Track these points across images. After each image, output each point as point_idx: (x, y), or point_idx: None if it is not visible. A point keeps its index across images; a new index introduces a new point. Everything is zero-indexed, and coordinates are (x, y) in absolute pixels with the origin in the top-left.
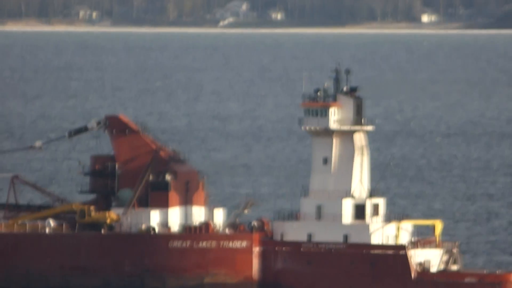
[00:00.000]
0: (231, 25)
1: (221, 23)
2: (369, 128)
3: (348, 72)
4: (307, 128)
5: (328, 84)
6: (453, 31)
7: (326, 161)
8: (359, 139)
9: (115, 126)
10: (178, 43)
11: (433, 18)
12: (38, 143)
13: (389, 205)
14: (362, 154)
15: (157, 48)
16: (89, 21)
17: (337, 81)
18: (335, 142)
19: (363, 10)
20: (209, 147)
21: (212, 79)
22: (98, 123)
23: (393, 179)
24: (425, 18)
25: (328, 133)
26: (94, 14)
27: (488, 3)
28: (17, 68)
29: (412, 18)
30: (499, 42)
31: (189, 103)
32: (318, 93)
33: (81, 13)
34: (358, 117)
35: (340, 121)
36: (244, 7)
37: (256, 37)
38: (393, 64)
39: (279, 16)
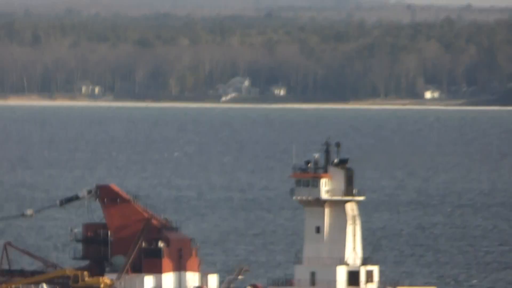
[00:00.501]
0: (233, 100)
1: (223, 98)
2: (360, 198)
3: (338, 145)
4: (299, 198)
5: (319, 156)
6: (456, 108)
7: (318, 230)
8: (351, 208)
9: (107, 195)
10: (181, 117)
11: (436, 95)
12: (29, 211)
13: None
14: (354, 223)
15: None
16: (92, 96)
17: (327, 153)
18: (327, 211)
19: (367, 87)
20: (206, 216)
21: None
22: (89, 192)
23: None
24: (428, 94)
25: (320, 203)
26: (97, 89)
27: (491, 80)
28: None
29: (415, 95)
30: (503, 118)
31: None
32: (309, 165)
33: (84, 88)
34: (349, 188)
35: (331, 192)
36: (247, 83)
37: (258, 112)
38: (400, 137)
39: (281, 92)
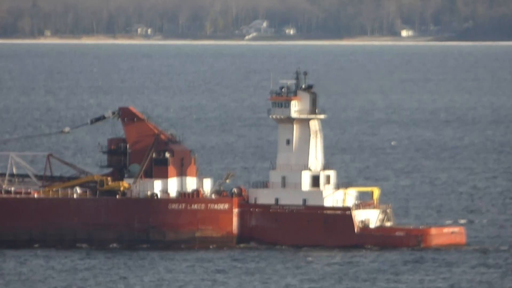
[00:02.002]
0: (254, 39)
1: (246, 37)
2: (322, 116)
3: (305, 73)
4: (274, 116)
5: (291, 83)
6: (425, 43)
7: (288, 142)
8: (314, 125)
9: (126, 115)
10: (213, 53)
11: (410, 33)
12: (66, 129)
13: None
14: (316, 136)
15: (197, 57)
16: (145, 36)
17: (297, 80)
18: (296, 127)
19: (357, 27)
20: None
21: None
22: (113, 113)
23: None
24: (404, 33)
25: (290, 120)
26: (149, 30)
27: (452, 21)
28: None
29: (394, 33)
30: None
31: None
32: (283, 90)
33: (139, 30)
34: (313, 108)
35: (299, 111)
36: (265, 24)
37: (273, 48)
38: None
39: (291, 31)
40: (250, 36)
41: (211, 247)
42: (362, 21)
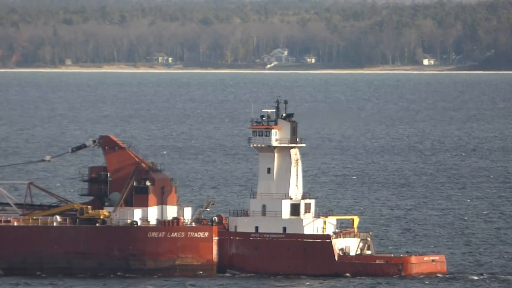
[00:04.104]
0: (275, 68)
1: (268, 66)
2: (302, 145)
3: (286, 102)
4: (254, 145)
5: (271, 112)
6: (447, 72)
7: (269, 170)
8: (295, 153)
9: (107, 144)
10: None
11: (432, 62)
12: (47, 157)
13: (318, 204)
14: (297, 165)
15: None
16: (166, 64)
17: (277, 109)
18: (276, 156)
19: (378, 56)
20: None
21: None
22: (94, 141)
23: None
24: (425, 62)
25: (271, 149)
26: (170, 59)
27: (473, 50)
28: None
29: (415, 62)
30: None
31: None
32: (263, 118)
33: (160, 59)
34: (294, 137)
35: (280, 140)
36: (285, 53)
37: (294, 77)
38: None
39: (312, 60)
40: (272, 65)
41: (189, 274)
42: (383, 50)
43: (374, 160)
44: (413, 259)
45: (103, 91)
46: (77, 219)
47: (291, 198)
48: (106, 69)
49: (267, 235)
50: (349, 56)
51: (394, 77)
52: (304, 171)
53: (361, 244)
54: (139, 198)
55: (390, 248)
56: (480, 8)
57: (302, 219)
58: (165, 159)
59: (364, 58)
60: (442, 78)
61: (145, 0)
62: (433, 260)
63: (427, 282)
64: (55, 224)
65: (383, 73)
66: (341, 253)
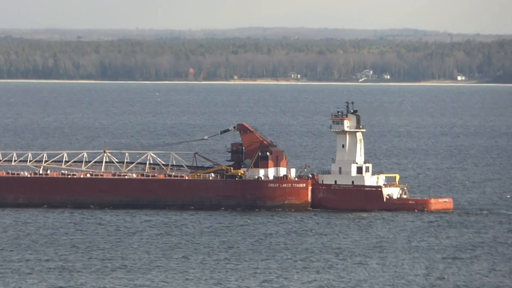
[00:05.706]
0: (364, 81)
1: (360, 80)
2: (363, 130)
3: (352, 103)
4: (333, 130)
5: (343, 109)
6: (473, 84)
7: (343, 146)
8: (359, 135)
9: (242, 129)
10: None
11: (463, 78)
12: (206, 137)
13: (374, 167)
14: (360, 142)
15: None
16: (296, 79)
17: (347, 107)
18: (347, 136)
19: (429, 73)
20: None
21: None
22: (234, 127)
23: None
24: (459, 78)
25: (344, 132)
26: (298, 76)
27: (489, 71)
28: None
29: (453, 78)
30: (496, 91)
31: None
32: (339, 112)
33: (292, 75)
34: (358, 125)
35: (349, 127)
36: (371, 72)
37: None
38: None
39: (388, 76)
40: (362, 79)
41: (293, 210)
42: (433, 70)
43: (415, 140)
44: (432, 200)
45: (258, 96)
46: (224, 176)
47: (356, 163)
48: (259, 82)
49: (342, 186)
50: (411, 74)
51: (438, 87)
52: (365, 146)
53: (400, 191)
54: (262, 162)
55: (417, 193)
56: (494, 44)
57: (363, 176)
58: (279, 139)
59: (420, 76)
60: (469, 89)
61: (283, 38)
62: (444, 201)
63: (438, 215)
64: (211, 178)
65: (432, 85)
66: (387, 197)
